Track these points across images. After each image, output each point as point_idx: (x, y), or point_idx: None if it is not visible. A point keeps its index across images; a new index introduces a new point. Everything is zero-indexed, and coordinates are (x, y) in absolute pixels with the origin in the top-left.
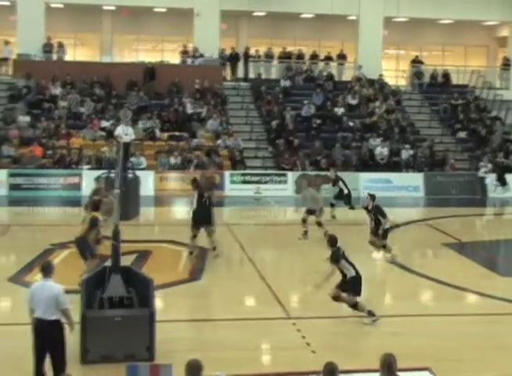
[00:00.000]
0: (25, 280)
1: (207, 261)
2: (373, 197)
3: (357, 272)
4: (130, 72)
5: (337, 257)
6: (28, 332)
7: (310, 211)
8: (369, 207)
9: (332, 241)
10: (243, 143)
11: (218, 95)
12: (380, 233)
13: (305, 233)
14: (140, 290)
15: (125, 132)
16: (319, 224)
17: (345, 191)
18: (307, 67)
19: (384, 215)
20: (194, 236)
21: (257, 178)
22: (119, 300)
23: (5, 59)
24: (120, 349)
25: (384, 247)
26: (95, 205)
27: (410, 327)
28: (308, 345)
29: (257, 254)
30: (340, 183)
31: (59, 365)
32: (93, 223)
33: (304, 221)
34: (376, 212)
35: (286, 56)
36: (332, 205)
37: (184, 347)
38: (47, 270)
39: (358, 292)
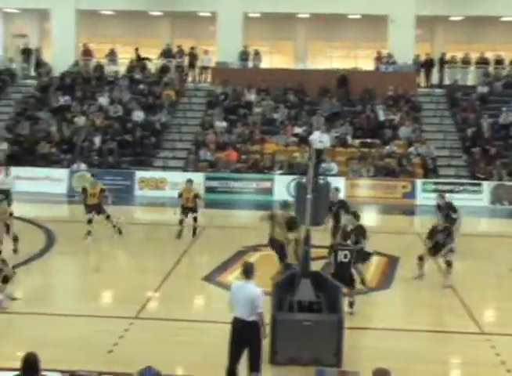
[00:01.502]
0: (218, 280)
1: (396, 270)
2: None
3: None
4: (323, 79)
5: None
6: (220, 329)
7: None
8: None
9: None
10: (436, 151)
11: (411, 101)
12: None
13: None
14: (329, 296)
15: (320, 139)
16: None
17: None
18: (506, 73)
19: (456, 210)
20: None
21: (450, 187)
22: (308, 304)
23: (205, 68)
24: (308, 353)
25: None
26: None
27: None
28: (502, 364)
29: None
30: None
31: (256, 364)
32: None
33: None
34: (449, 210)
35: (483, 62)
36: None
37: (370, 355)
38: (248, 272)
39: None
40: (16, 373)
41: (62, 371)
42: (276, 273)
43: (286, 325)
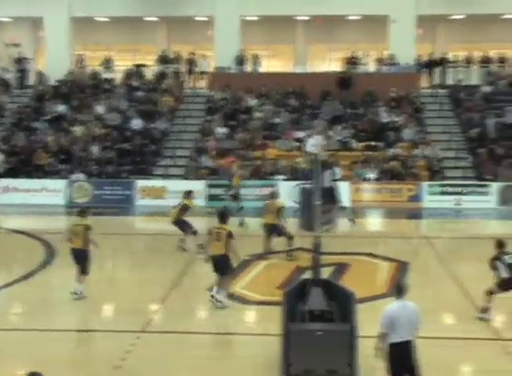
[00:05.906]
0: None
1: (406, 275)
2: None
3: None
4: (324, 82)
5: None
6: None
7: None
8: None
9: None
10: (441, 153)
11: (414, 103)
12: None
13: None
14: (341, 304)
15: (313, 143)
16: None
17: None
18: (510, 71)
19: None
20: None
21: (457, 190)
22: (320, 314)
23: (204, 73)
24: (322, 364)
25: None
26: None
27: None
28: None
29: (458, 269)
30: None
31: None
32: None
33: None
34: None
35: (486, 61)
36: None
37: None
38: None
39: None
40: None
41: None
42: None
43: (300, 336)
